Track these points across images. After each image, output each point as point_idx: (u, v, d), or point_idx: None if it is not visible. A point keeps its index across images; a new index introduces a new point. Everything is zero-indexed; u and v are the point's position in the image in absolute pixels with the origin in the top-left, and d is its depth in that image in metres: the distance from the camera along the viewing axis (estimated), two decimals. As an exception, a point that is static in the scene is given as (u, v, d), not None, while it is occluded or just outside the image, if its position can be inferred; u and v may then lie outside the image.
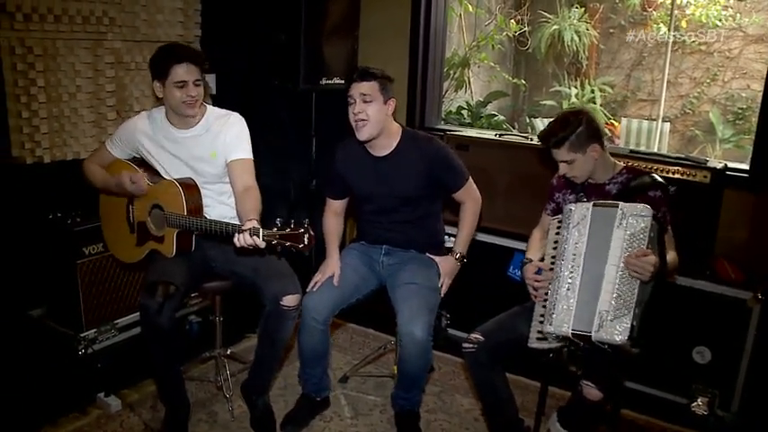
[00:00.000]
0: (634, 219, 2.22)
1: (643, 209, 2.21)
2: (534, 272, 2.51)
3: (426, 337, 2.58)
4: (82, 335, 3.05)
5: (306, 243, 2.20)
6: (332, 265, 2.84)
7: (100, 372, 3.00)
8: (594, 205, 2.32)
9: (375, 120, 2.64)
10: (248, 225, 2.30)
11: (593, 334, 2.19)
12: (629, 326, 2.16)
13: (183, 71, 2.52)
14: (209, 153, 2.68)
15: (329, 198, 3.00)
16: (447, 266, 2.86)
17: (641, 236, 2.20)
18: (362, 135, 2.66)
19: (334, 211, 3.00)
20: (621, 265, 2.20)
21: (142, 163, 2.78)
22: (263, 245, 2.26)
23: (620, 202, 2.25)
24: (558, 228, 2.42)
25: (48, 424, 2.80)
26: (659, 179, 2.40)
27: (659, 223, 2.24)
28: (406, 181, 2.75)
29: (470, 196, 2.87)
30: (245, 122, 2.74)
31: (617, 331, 2.16)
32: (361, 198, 2.90)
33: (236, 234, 2.30)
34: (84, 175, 2.81)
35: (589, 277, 2.27)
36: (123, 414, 2.93)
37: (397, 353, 2.92)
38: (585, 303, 2.25)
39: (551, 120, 2.54)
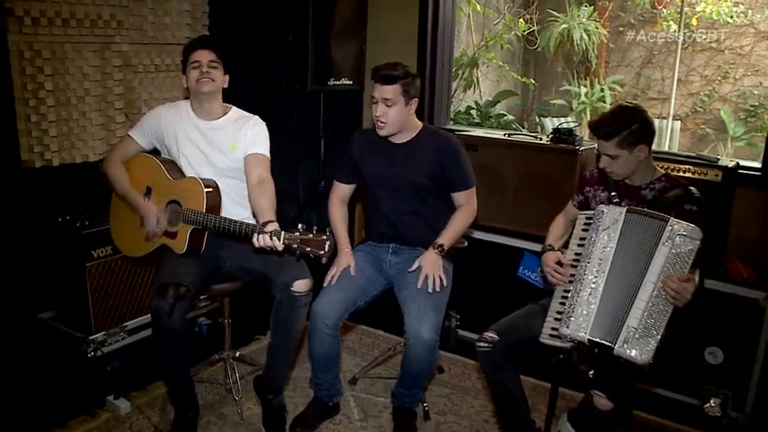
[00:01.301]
0: (682, 239, 2.14)
1: (694, 230, 2.14)
2: (555, 262, 2.46)
3: (433, 337, 2.57)
4: (91, 337, 3.05)
5: (326, 250, 2.24)
6: (345, 258, 2.84)
7: (109, 374, 3.00)
8: (629, 211, 2.27)
9: (395, 121, 2.72)
10: (270, 228, 2.34)
11: (616, 348, 2.14)
12: (654, 348, 2.11)
13: (198, 54, 2.69)
14: (230, 146, 2.73)
15: (337, 182, 3.00)
16: (426, 262, 2.74)
17: (686, 258, 2.14)
18: (382, 132, 2.76)
19: (340, 196, 3.00)
20: (660, 284, 2.14)
21: (163, 156, 2.82)
22: (281, 248, 2.31)
23: (671, 217, 2.18)
24: (587, 225, 2.37)
25: (57, 426, 2.81)
26: (696, 192, 2.32)
27: (704, 246, 2.16)
28: (417, 167, 2.78)
29: (469, 203, 2.87)
30: (265, 125, 2.82)
31: (642, 351, 2.11)
32: (372, 182, 2.90)
33: (256, 234, 2.34)
34: (106, 175, 2.80)
35: (616, 286, 2.22)
36: (133, 416, 2.93)
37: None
38: (607, 312, 2.21)
39: (605, 111, 2.47)
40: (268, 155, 2.77)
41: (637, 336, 2.13)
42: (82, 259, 3.03)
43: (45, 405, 2.90)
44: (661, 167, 3.01)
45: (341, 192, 3.00)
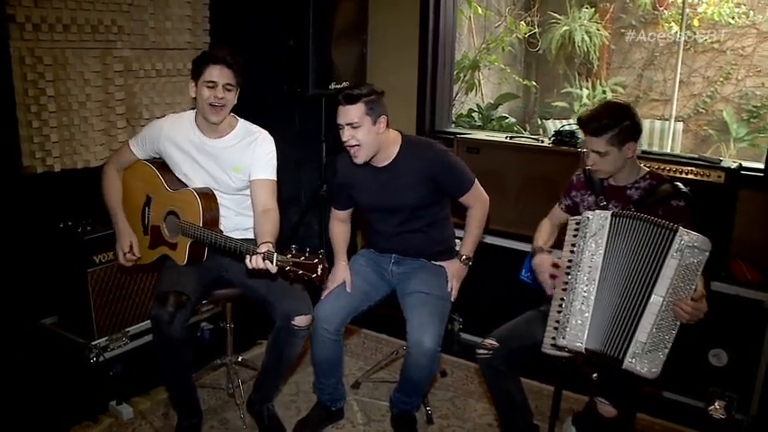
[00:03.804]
0: (691, 250, 2.08)
1: (704, 241, 2.08)
2: (551, 264, 2.43)
3: (434, 347, 2.56)
4: (93, 343, 3.05)
5: (319, 273, 2.19)
6: (341, 273, 2.82)
7: (112, 380, 3.00)
8: (613, 215, 2.24)
9: (367, 143, 2.58)
10: (263, 248, 2.29)
11: (625, 363, 2.11)
12: (663, 361, 2.09)
13: (215, 72, 2.55)
14: (233, 166, 2.68)
15: (333, 208, 2.97)
16: (453, 268, 2.82)
17: (695, 269, 2.09)
18: (359, 159, 2.62)
19: (339, 218, 2.97)
20: (670, 297, 2.10)
21: (162, 165, 2.79)
22: (274, 270, 2.26)
23: (680, 227, 2.11)
24: (576, 230, 2.34)
25: (60, 432, 2.80)
26: (683, 188, 2.30)
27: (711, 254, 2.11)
28: (407, 190, 2.70)
29: (477, 199, 2.81)
30: (273, 142, 2.74)
31: (651, 365, 2.09)
32: (366, 208, 2.87)
33: (249, 255, 2.30)
34: (101, 183, 2.83)
35: (613, 295, 2.19)
36: (135, 422, 2.93)
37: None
38: (605, 322, 2.19)
39: (593, 107, 2.41)
40: (274, 178, 2.71)
41: (646, 350, 2.10)
42: (84, 265, 3.02)
43: (48, 411, 2.91)
44: (664, 169, 3.03)
45: (339, 216, 2.97)
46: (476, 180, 2.79)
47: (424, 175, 2.68)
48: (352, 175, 2.79)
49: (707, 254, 2.09)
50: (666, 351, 2.09)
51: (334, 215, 2.98)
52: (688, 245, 2.09)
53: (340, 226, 2.97)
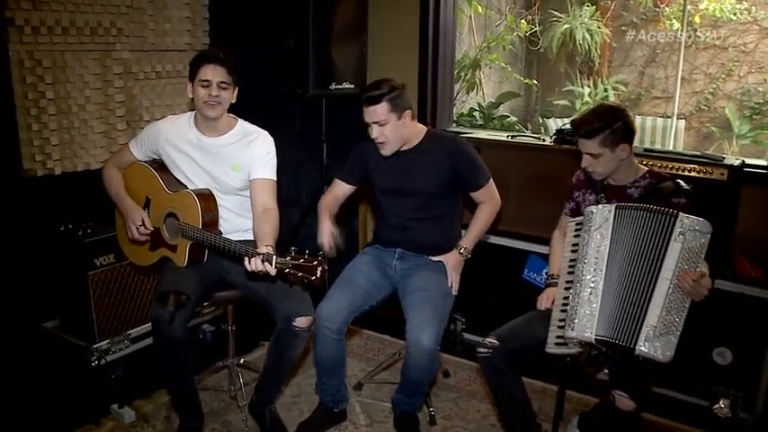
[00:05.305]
0: (693, 234, 2.12)
1: (704, 224, 2.12)
2: (550, 302, 2.46)
3: (433, 346, 2.55)
4: (95, 346, 3.04)
5: (318, 276, 2.19)
6: (325, 232, 2.73)
7: (113, 383, 2.99)
8: (618, 207, 2.26)
9: (394, 137, 2.68)
10: (263, 250, 2.29)
11: (637, 348, 2.12)
12: (675, 344, 2.10)
13: (209, 71, 2.56)
14: (232, 165, 2.67)
15: (338, 179, 2.95)
16: (452, 260, 2.81)
17: (699, 252, 2.12)
18: (385, 152, 2.71)
19: (336, 195, 2.93)
20: (675, 280, 2.12)
21: (161, 167, 2.78)
22: (273, 272, 2.26)
23: (680, 212, 2.15)
24: (578, 230, 2.36)
25: (62, 436, 2.80)
26: (684, 185, 2.32)
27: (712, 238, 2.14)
28: (427, 174, 2.75)
29: (491, 198, 2.85)
30: (273, 143, 2.74)
31: (664, 348, 2.09)
32: (381, 190, 2.88)
33: (248, 258, 2.30)
34: (102, 179, 2.82)
35: (621, 283, 2.20)
36: (137, 425, 2.92)
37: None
38: (614, 310, 2.19)
39: (586, 110, 2.45)
40: (274, 178, 2.71)
41: (658, 333, 2.11)
42: (84, 267, 3.02)
43: (49, 414, 2.90)
44: (666, 167, 3.01)
45: (337, 191, 2.94)
46: (491, 180, 2.84)
47: (446, 161, 2.75)
48: (376, 155, 2.81)
49: (708, 236, 2.12)
50: (678, 334, 2.11)
51: (334, 189, 2.94)
52: (689, 228, 2.13)
53: (332, 202, 2.90)
